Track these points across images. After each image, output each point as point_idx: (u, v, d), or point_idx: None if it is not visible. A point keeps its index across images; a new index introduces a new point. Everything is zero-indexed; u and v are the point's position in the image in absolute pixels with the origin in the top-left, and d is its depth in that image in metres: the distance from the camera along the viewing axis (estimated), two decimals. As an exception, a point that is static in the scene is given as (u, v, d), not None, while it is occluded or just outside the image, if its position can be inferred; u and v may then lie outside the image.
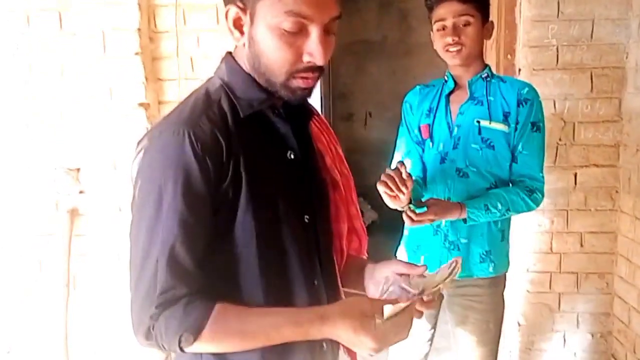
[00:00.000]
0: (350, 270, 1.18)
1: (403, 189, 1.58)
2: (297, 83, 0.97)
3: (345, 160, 1.23)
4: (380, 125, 5.51)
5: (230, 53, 1.06)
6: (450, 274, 1.01)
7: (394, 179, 1.58)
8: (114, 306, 2.58)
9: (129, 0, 2.38)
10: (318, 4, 0.91)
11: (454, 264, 1.03)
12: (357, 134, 5.71)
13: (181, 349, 0.91)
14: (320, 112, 1.23)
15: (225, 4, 0.98)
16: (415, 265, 1.08)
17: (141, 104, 2.47)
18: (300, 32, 0.93)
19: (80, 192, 2.59)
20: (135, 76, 2.45)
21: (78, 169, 2.58)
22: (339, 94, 5.60)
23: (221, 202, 0.95)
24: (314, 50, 0.93)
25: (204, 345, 0.92)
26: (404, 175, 1.58)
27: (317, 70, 0.97)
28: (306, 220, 1.05)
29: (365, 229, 1.25)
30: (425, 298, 1.00)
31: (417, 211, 1.70)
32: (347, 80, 5.59)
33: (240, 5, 0.94)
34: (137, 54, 2.43)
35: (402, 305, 0.92)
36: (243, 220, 0.96)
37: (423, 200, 1.77)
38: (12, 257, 2.64)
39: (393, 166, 1.62)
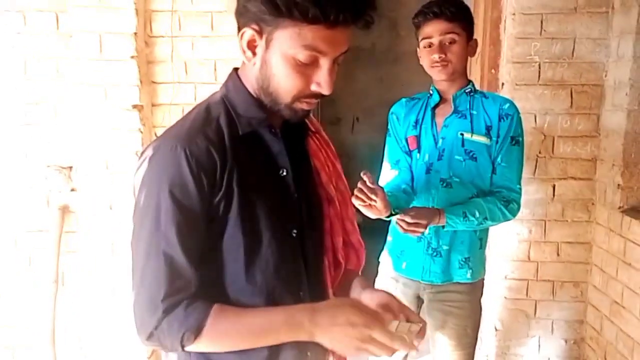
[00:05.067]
0: (345, 283, 1.25)
1: (373, 196, 1.64)
2: (301, 105, 1.05)
3: (343, 177, 1.28)
4: (367, 130, 5.58)
5: (236, 70, 1.12)
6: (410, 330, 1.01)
7: (363, 190, 1.63)
8: (102, 303, 2.62)
9: (127, 5, 2.42)
10: (334, 41, 0.98)
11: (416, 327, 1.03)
12: (344, 138, 5.78)
13: (182, 348, 0.98)
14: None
15: (241, 26, 1.01)
16: (404, 306, 1.09)
17: (135, 106, 2.51)
18: (312, 63, 1.00)
19: (72, 189, 2.63)
20: (130, 79, 2.49)
21: (70, 167, 2.62)
22: (327, 99, 5.48)
23: (214, 214, 1.01)
24: (322, 81, 1.02)
25: (204, 343, 0.98)
26: (369, 184, 1.63)
27: (321, 96, 1.05)
28: (293, 235, 1.11)
29: (362, 242, 1.30)
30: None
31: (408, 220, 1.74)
32: (335, 86, 5.50)
33: (257, 28, 0.99)
34: (132, 57, 2.47)
35: None
36: (233, 232, 1.03)
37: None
38: (2, 252, 2.67)
39: (382, 175, 1.65)
